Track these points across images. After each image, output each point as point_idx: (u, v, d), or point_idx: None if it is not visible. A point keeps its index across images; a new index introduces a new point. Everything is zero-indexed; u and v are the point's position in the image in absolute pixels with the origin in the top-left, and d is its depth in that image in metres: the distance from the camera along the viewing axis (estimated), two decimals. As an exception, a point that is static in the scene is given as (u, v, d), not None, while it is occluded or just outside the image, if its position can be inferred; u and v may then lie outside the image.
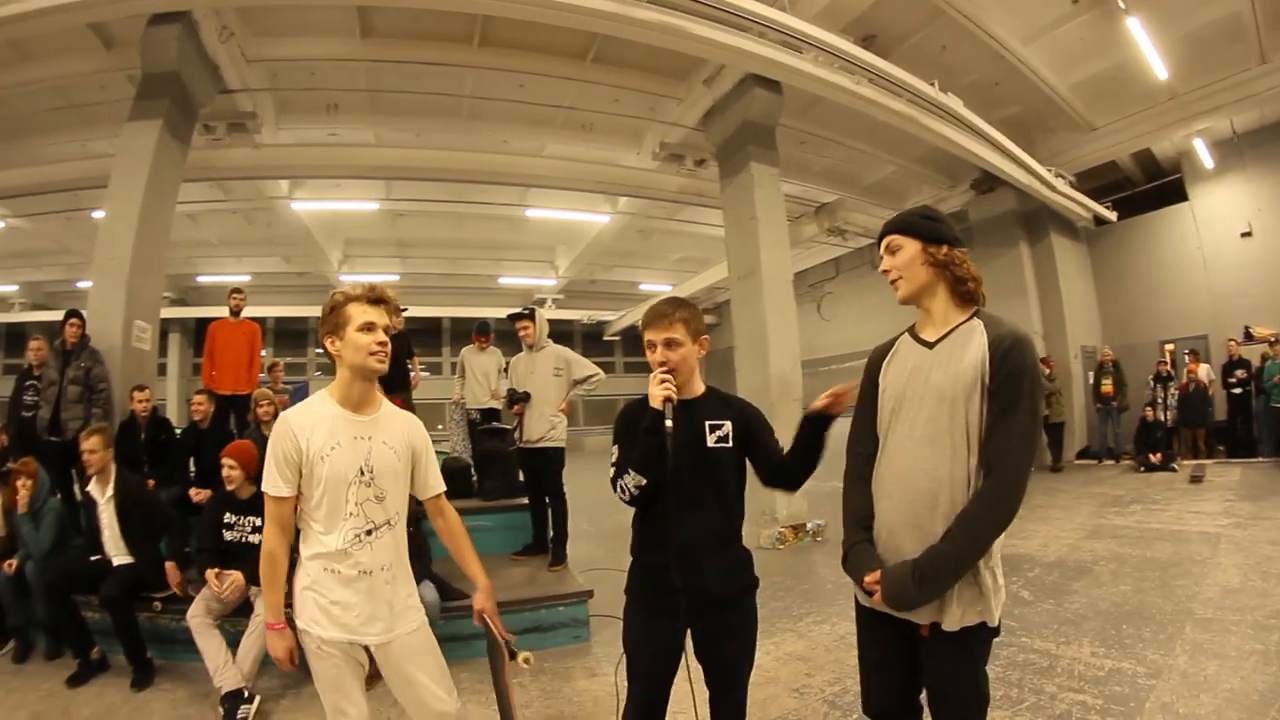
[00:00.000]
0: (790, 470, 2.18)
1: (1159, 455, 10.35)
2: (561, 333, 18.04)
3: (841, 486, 1.98)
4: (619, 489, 2.11)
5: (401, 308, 7.31)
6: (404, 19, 7.78)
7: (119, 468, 4.44)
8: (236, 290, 7.15)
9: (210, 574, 3.84)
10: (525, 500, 5.79)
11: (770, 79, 7.97)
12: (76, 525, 4.74)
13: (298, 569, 2.15)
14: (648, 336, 2.16)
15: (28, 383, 5.81)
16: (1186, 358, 11.46)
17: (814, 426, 2.10)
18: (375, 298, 2.16)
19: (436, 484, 2.33)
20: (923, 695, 1.88)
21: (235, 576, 3.84)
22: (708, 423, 2.13)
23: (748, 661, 2.16)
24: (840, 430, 2.08)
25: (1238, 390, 10.80)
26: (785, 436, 2.20)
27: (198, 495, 5.02)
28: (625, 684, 2.19)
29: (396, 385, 6.89)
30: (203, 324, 10.26)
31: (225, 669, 3.55)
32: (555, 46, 8.36)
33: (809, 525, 7.60)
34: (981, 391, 1.72)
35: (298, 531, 2.18)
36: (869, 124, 9.40)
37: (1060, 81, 10.18)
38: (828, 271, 19.17)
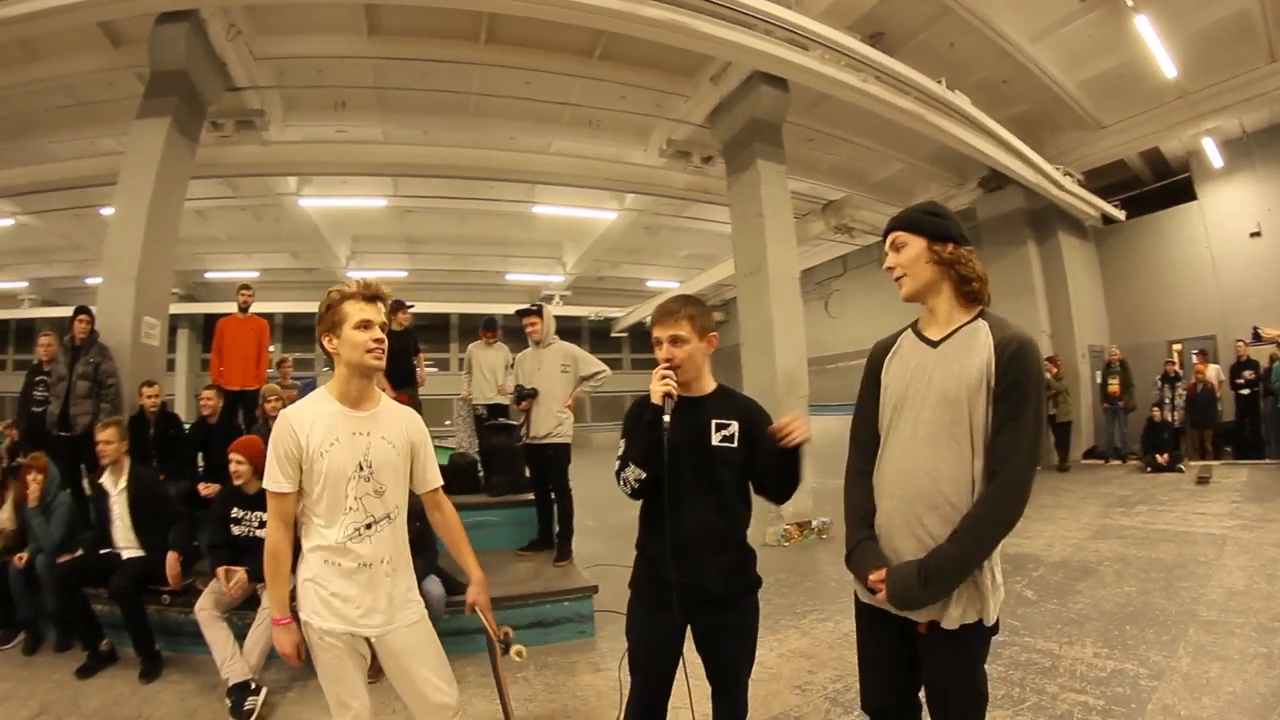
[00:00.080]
0: (770, 489, 2.18)
1: (1166, 456, 10.29)
2: (569, 329, 18.09)
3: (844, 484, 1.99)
4: (621, 481, 2.14)
5: (408, 304, 7.36)
6: (411, 16, 7.79)
7: (132, 461, 4.49)
8: (245, 286, 7.21)
9: (221, 572, 3.88)
10: (531, 496, 5.81)
11: (777, 76, 7.96)
12: (85, 519, 4.79)
13: (300, 561, 2.17)
14: (655, 333, 2.17)
15: (38, 378, 5.86)
16: (1195, 358, 11.40)
17: (780, 454, 2.07)
18: (371, 295, 2.17)
19: (434, 478, 2.36)
20: (922, 693, 1.89)
21: (240, 575, 3.88)
22: (714, 421, 2.14)
23: (747, 661, 2.17)
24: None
25: (1245, 391, 10.74)
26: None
27: (206, 490, 5.08)
28: (629, 679, 2.21)
29: (403, 382, 6.95)
30: (211, 320, 10.31)
31: (232, 661, 3.59)
32: (562, 43, 8.35)
33: (814, 523, 7.60)
34: (986, 395, 1.72)
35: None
36: (876, 121, 9.35)
37: (1068, 79, 10.11)
38: (835, 269, 19.13)
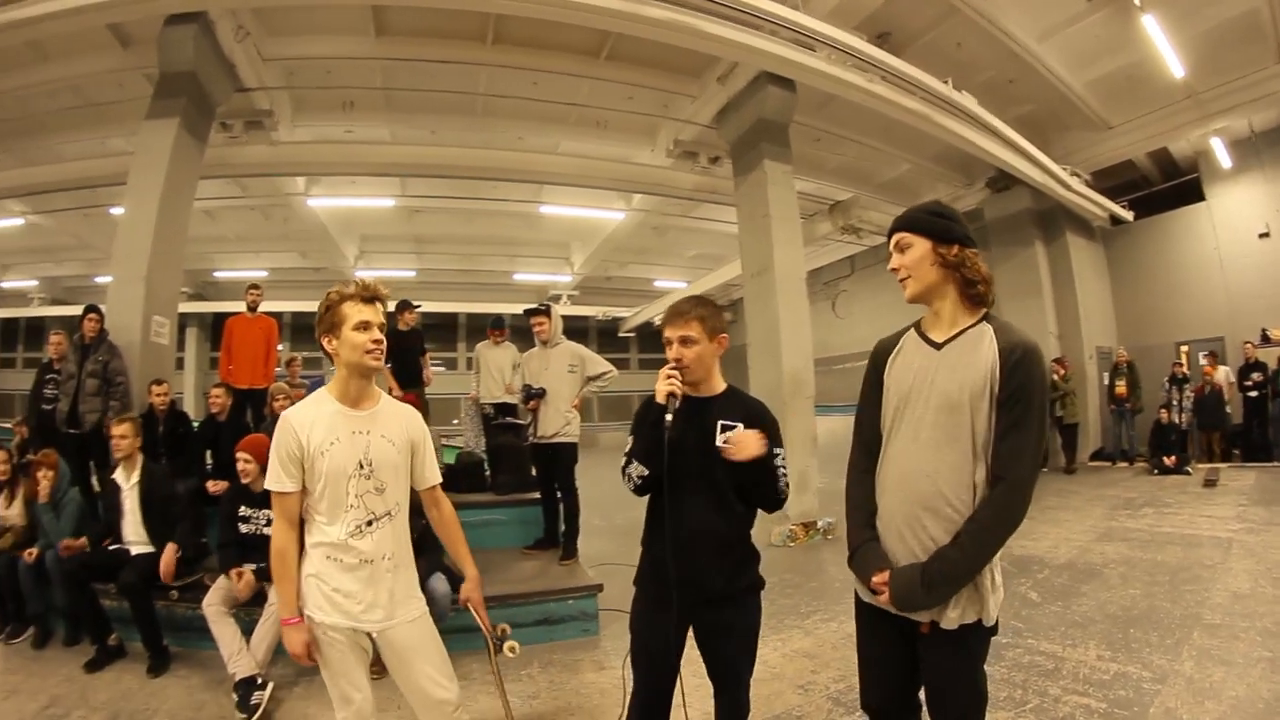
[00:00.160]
0: (754, 499, 2.20)
1: (1173, 458, 10.22)
2: (576, 329, 18.07)
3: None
4: (625, 476, 2.17)
5: (415, 304, 7.39)
6: (418, 17, 7.82)
7: (144, 457, 4.53)
8: (254, 286, 7.26)
9: (232, 574, 3.91)
10: (538, 495, 5.81)
11: (784, 77, 7.96)
12: (95, 516, 4.83)
13: (303, 557, 2.20)
14: (665, 333, 2.20)
15: (47, 376, 5.92)
16: (1203, 360, 11.34)
17: (753, 469, 2.08)
18: (369, 296, 2.20)
19: (433, 475, 2.39)
20: (922, 693, 1.90)
21: (247, 577, 3.90)
22: (720, 422, 2.15)
23: (748, 660, 2.18)
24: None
25: (1254, 393, 10.65)
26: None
27: (214, 487, 5.12)
28: (633, 676, 2.23)
29: (411, 381, 6.97)
30: (220, 319, 10.38)
31: (239, 656, 3.62)
32: (568, 44, 8.37)
33: (820, 523, 7.58)
34: (990, 400, 1.72)
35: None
36: (883, 122, 9.33)
37: (1075, 79, 10.06)
38: (843, 269, 19.08)
